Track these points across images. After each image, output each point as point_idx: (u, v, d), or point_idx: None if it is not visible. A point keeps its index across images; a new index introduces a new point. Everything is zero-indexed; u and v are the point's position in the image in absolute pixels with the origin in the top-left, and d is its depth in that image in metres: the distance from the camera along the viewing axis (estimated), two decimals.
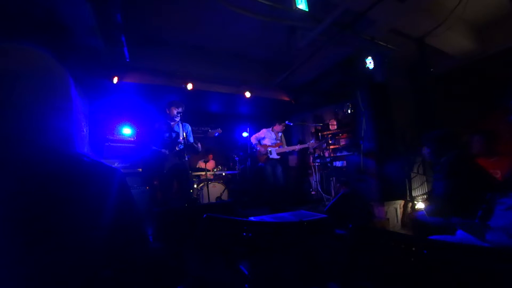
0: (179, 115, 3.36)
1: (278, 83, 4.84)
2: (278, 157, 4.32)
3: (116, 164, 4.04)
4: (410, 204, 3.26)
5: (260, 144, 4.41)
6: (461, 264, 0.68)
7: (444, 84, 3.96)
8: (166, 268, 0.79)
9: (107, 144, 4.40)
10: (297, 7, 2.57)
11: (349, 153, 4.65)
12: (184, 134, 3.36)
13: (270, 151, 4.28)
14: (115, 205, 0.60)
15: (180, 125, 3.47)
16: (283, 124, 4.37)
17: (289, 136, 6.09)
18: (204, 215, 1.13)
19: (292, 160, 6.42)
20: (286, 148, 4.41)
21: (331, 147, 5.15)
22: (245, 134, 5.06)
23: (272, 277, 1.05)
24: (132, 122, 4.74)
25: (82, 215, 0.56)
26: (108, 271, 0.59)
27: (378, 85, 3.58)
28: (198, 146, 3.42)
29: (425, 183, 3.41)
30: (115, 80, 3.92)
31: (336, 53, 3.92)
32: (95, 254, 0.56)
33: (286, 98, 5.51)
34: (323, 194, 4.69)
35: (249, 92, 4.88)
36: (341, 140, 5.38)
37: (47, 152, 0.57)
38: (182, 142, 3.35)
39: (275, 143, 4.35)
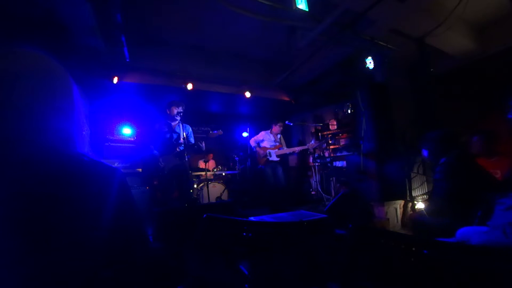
0: (179, 115, 3.36)
1: (278, 83, 4.84)
2: (278, 159, 4.29)
3: (116, 164, 4.04)
4: (410, 204, 3.25)
5: (259, 146, 4.38)
6: (461, 264, 0.68)
7: (444, 84, 3.96)
8: (166, 268, 0.79)
9: (107, 144, 4.39)
10: (297, 7, 2.57)
11: (349, 153, 4.65)
12: (185, 135, 3.36)
13: (270, 154, 4.25)
14: (115, 205, 0.60)
15: (181, 126, 3.48)
16: (280, 124, 4.32)
17: (289, 136, 6.08)
18: (204, 215, 1.13)
19: (292, 160, 6.42)
20: (285, 150, 4.39)
21: (331, 147, 5.16)
22: (245, 134, 5.05)
23: (272, 277, 1.05)
24: (132, 122, 4.73)
25: (82, 215, 0.56)
26: (108, 271, 0.59)
27: (378, 85, 3.58)
28: (202, 145, 3.42)
29: (425, 183, 3.40)
30: (115, 80, 3.92)
31: (336, 53, 3.92)
32: (95, 254, 0.56)
33: (286, 98, 5.51)
34: (323, 194, 4.69)
35: (249, 92, 4.87)
36: (341, 140, 5.37)
37: (47, 152, 0.57)
38: (183, 143, 3.35)
39: (274, 146, 4.32)
